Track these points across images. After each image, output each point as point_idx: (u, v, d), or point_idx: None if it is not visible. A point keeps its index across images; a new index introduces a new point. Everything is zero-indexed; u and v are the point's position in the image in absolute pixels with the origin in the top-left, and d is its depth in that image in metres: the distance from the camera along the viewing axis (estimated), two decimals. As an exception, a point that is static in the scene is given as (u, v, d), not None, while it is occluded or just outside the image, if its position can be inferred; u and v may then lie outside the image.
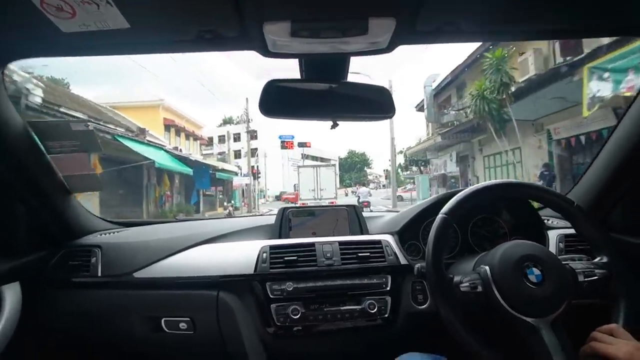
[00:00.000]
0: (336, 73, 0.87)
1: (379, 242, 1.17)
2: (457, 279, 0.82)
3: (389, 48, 0.74)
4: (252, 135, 35.09)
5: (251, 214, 12.80)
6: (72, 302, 1.13)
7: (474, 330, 0.77)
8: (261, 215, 1.78)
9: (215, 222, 1.52)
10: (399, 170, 36.38)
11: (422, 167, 21.61)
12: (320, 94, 0.90)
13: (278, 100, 0.87)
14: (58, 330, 1.16)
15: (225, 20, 0.65)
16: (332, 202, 11.55)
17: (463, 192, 0.90)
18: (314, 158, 36.54)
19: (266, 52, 0.74)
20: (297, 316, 1.05)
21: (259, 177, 22.77)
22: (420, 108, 17.30)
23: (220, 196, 20.56)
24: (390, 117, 0.92)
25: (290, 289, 1.06)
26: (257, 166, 22.44)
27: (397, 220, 1.27)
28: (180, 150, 15.14)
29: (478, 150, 13.14)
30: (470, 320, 0.78)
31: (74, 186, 1.16)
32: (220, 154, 28.52)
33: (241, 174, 21.86)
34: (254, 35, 0.68)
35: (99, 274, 1.11)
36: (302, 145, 21.51)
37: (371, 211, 7.75)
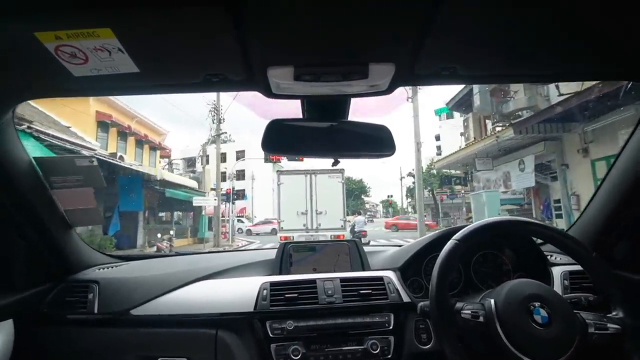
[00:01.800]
0: (337, 112, 0.90)
1: (380, 278, 1.16)
2: (459, 305, 0.82)
3: (389, 90, 0.77)
4: (239, 155, 32.08)
5: (216, 250, 10.19)
6: (67, 340, 1.10)
7: None
8: (261, 249, 1.74)
9: (215, 256, 1.51)
10: (407, 195, 33.72)
11: (465, 184, 15.87)
12: (322, 132, 0.92)
13: (281, 138, 0.89)
14: None
15: (231, 65, 0.68)
16: (339, 237, 8.09)
17: (481, 221, 0.90)
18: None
19: (270, 94, 0.77)
20: (298, 357, 1.02)
21: (235, 199, 18.02)
22: (455, 106, 13.54)
23: (191, 224, 16.83)
24: (391, 155, 0.93)
25: (291, 327, 1.04)
26: (234, 187, 17.66)
27: (398, 256, 1.25)
28: (121, 159, 10.93)
29: (581, 151, 7.74)
30: (473, 356, 0.77)
31: (75, 220, 1.17)
32: (192, 171, 22.37)
33: (216, 197, 15.64)
34: (258, 79, 0.71)
35: (96, 311, 1.09)
36: (292, 159, 17.10)
37: (369, 242, 7.55)
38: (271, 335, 1.04)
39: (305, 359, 1.02)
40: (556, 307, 0.78)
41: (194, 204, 13.85)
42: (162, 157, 18.26)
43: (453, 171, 16.71)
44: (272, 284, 1.12)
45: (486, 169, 11.33)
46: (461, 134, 15.76)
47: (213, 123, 15.15)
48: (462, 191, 20.78)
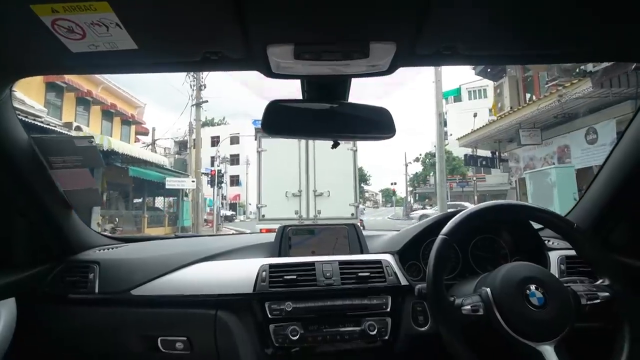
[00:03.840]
0: (337, 94, 0.90)
1: (379, 261, 1.17)
2: (458, 301, 0.82)
3: (389, 70, 0.76)
4: (233, 139, 30.19)
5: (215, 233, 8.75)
6: (68, 318, 1.13)
7: (474, 350, 0.77)
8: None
9: (215, 239, 1.53)
10: (413, 182, 31.67)
11: (492, 165, 12.46)
12: (322, 113, 0.92)
13: (280, 119, 0.89)
14: (52, 346, 1.15)
15: (230, 43, 0.67)
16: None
17: (464, 212, 0.91)
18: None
19: (269, 73, 0.76)
20: (296, 337, 1.04)
21: (222, 183, 15.94)
22: (483, 72, 11.95)
23: (172, 210, 15.63)
24: (390, 137, 0.93)
25: (290, 309, 1.06)
26: (220, 170, 15.61)
27: (397, 240, 1.26)
28: (78, 129, 9.02)
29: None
30: (472, 341, 0.79)
31: (74, 201, 1.18)
32: (183, 154, 19.90)
33: (216, 180, 14.88)
34: (258, 57, 0.70)
35: (96, 291, 1.11)
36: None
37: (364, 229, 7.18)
38: (270, 316, 1.05)
39: (303, 339, 1.04)
40: (551, 288, 0.80)
41: (166, 186, 12.18)
42: (139, 133, 16.04)
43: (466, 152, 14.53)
44: (272, 266, 1.13)
45: (533, 143, 8.89)
46: (490, 110, 14.19)
47: (192, 89, 13.01)
48: (474, 178, 19.55)
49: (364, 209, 11.16)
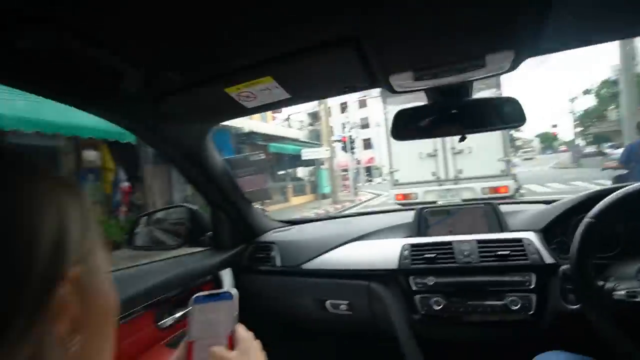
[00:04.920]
0: (461, 93, 0.92)
1: (519, 240, 1.14)
2: (609, 285, 0.77)
3: (512, 69, 0.77)
4: (361, 103, 29.87)
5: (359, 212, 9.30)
6: (262, 284, 1.48)
7: (631, 337, 0.72)
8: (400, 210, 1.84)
9: (360, 219, 1.72)
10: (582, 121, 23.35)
11: None
12: (449, 113, 0.95)
13: (408, 125, 0.97)
14: (255, 305, 1.46)
15: (359, 80, 0.83)
16: (498, 191, 5.27)
17: (619, 192, 0.82)
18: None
19: (393, 91, 0.88)
20: (440, 307, 1.14)
21: (354, 149, 15.19)
22: None
23: (312, 179, 16.45)
24: (521, 125, 0.92)
25: (432, 283, 1.16)
26: (351, 136, 14.78)
27: (541, 217, 1.21)
28: None
29: None
30: (631, 327, 0.73)
31: (253, 198, 1.55)
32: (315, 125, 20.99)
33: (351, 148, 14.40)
34: (382, 83, 0.83)
35: (278, 264, 1.44)
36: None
37: (519, 190, 5.88)
38: (414, 289, 1.18)
39: (446, 309, 1.13)
40: None
41: (302, 157, 13.04)
42: (274, 111, 17.43)
43: None
44: (412, 245, 1.25)
45: None
46: None
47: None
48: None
49: (514, 162, 9.52)
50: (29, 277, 0.24)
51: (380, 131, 25.49)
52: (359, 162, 25.33)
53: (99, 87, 0.75)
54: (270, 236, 1.60)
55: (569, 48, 0.74)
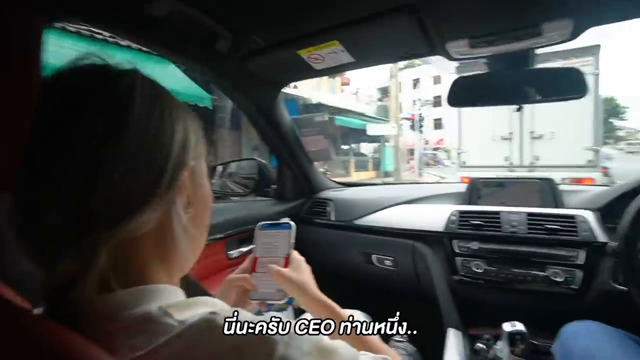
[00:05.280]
0: (521, 61, 0.91)
1: (572, 216, 1.13)
2: None
3: (572, 38, 0.76)
4: (436, 79, 27.40)
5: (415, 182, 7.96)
6: (315, 236, 1.63)
7: None
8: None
9: (414, 186, 1.79)
10: None
11: None
12: (508, 82, 0.96)
13: (466, 92, 1.00)
14: (306, 255, 1.67)
15: (418, 46, 0.89)
16: (582, 182, 4.28)
17: None
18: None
19: (452, 59, 0.92)
20: (480, 271, 1.19)
21: (422, 127, 14.42)
22: None
23: (376, 155, 16.06)
24: (581, 97, 0.89)
25: (475, 247, 1.21)
26: (421, 114, 14.09)
27: (600, 196, 1.18)
28: (295, 87, 9.99)
29: None
30: None
31: (315, 157, 1.69)
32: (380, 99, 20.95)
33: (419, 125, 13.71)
34: (440, 51, 0.89)
35: (332, 219, 1.58)
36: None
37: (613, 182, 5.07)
38: (457, 251, 1.24)
39: (486, 273, 1.18)
40: None
41: (368, 132, 12.86)
42: (343, 84, 17.21)
43: None
44: (461, 212, 1.29)
45: None
46: None
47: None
48: None
49: (612, 155, 7.97)
50: (168, 163, 0.38)
51: (452, 110, 23.84)
52: (427, 142, 24.48)
53: (200, 47, 0.91)
54: (327, 194, 1.73)
55: (632, 17, 0.72)
